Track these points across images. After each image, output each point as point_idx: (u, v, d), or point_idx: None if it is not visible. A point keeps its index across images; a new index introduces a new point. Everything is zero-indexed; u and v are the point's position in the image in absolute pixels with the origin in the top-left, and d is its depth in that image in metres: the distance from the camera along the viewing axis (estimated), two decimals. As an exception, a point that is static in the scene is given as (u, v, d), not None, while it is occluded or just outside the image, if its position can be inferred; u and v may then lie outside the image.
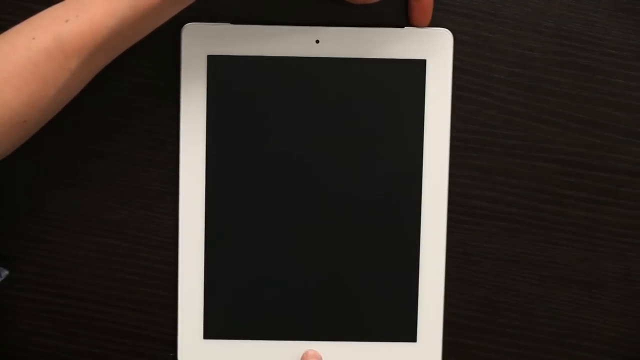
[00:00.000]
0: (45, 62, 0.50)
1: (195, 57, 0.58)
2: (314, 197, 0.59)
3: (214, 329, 0.60)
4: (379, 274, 0.60)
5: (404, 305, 0.60)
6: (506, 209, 0.61)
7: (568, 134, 0.60)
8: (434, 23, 0.58)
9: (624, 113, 0.60)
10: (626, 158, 0.60)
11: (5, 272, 0.60)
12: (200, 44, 0.58)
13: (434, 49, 0.59)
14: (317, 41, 0.58)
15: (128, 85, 0.59)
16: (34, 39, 0.50)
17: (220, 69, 0.58)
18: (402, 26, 0.58)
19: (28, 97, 0.50)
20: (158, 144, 0.60)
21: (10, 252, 0.61)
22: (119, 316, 0.61)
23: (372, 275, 0.60)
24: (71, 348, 0.61)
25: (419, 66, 0.58)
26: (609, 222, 0.61)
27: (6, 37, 0.51)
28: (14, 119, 0.50)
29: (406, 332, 0.60)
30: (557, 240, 0.61)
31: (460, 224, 0.61)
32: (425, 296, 0.60)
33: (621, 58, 0.60)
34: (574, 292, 0.61)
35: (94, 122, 0.60)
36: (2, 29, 0.58)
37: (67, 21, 0.50)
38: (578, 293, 0.61)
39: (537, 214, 0.61)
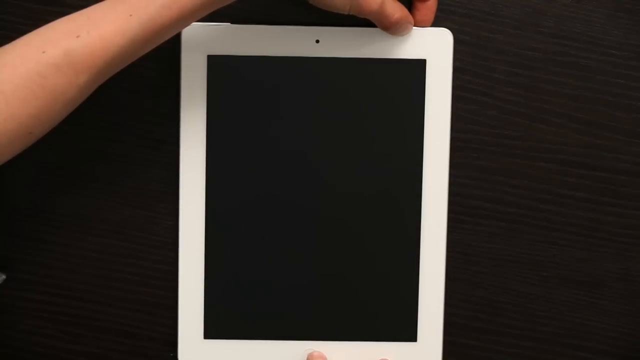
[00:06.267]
0: (54, 77, 0.50)
1: (195, 57, 0.58)
2: (314, 197, 0.59)
3: (214, 329, 0.60)
4: (379, 274, 0.60)
5: (404, 305, 0.60)
6: (506, 209, 0.61)
7: (568, 134, 0.60)
8: (434, 23, 0.58)
9: (624, 113, 0.60)
10: (626, 158, 0.60)
11: (2, 277, 0.60)
12: (200, 44, 0.58)
13: (434, 49, 0.59)
14: (317, 41, 0.58)
15: (128, 85, 0.59)
16: (44, 52, 0.50)
17: (220, 69, 0.58)
18: (402, 26, 0.59)
19: (36, 111, 0.50)
20: (158, 144, 0.60)
21: (11, 252, 0.61)
22: (119, 316, 0.61)
23: (373, 275, 0.60)
24: (71, 348, 0.61)
25: (419, 66, 0.58)
26: (609, 222, 0.61)
27: (16, 48, 0.51)
28: (21, 131, 0.50)
29: (406, 332, 0.60)
30: (557, 240, 0.61)
31: (460, 224, 0.61)
32: (425, 296, 0.60)
33: (621, 58, 0.60)
34: (574, 292, 0.61)
35: (94, 122, 0.60)
36: (1, 29, 0.58)
37: (78, 37, 0.50)
38: (578, 293, 0.61)
39: (537, 214, 0.61)
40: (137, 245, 0.61)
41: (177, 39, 0.58)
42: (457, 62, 0.59)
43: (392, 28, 0.56)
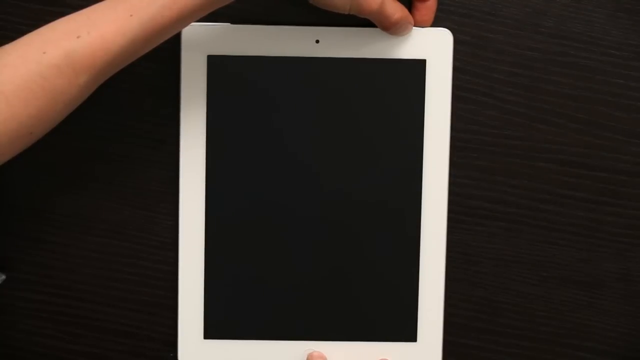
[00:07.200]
0: (55, 77, 0.50)
1: (195, 57, 0.58)
2: (314, 197, 0.59)
3: (214, 329, 0.60)
4: (379, 274, 0.60)
5: (404, 305, 0.60)
6: (506, 209, 0.61)
7: (568, 134, 0.60)
8: (434, 23, 0.58)
9: (624, 113, 0.60)
10: (626, 158, 0.60)
11: (2, 277, 0.60)
12: (200, 44, 0.58)
13: (434, 49, 0.59)
14: (317, 41, 0.58)
15: (128, 85, 0.59)
16: (44, 53, 0.50)
17: (220, 69, 0.58)
18: (402, 26, 0.59)
19: (37, 111, 0.50)
20: (158, 144, 0.60)
21: (10, 252, 0.61)
22: (119, 316, 0.61)
23: (373, 275, 0.60)
24: (71, 348, 0.61)
25: (419, 66, 0.58)
26: (609, 222, 0.61)
27: (17, 48, 0.51)
28: (21, 131, 0.50)
29: (406, 332, 0.60)
30: (557, 240, 0.61)
31: (460, 224, 0.61)
32: (425, 296, 0.60)
33: (621, 58, 0.60)
34: (574, 292, 0.61)
35: (94, 122, 0.60)
36: (1, 29, 0.58)
37: (78, 37, 0.50)
38: (578, 293, 0.61)
39: (537, 214, 0.61)
40: (137, 245, 0.61)
41: (177, 39, 0.58)
42: (457, 62, 0.59)
43: (392, 28, 0.56)
